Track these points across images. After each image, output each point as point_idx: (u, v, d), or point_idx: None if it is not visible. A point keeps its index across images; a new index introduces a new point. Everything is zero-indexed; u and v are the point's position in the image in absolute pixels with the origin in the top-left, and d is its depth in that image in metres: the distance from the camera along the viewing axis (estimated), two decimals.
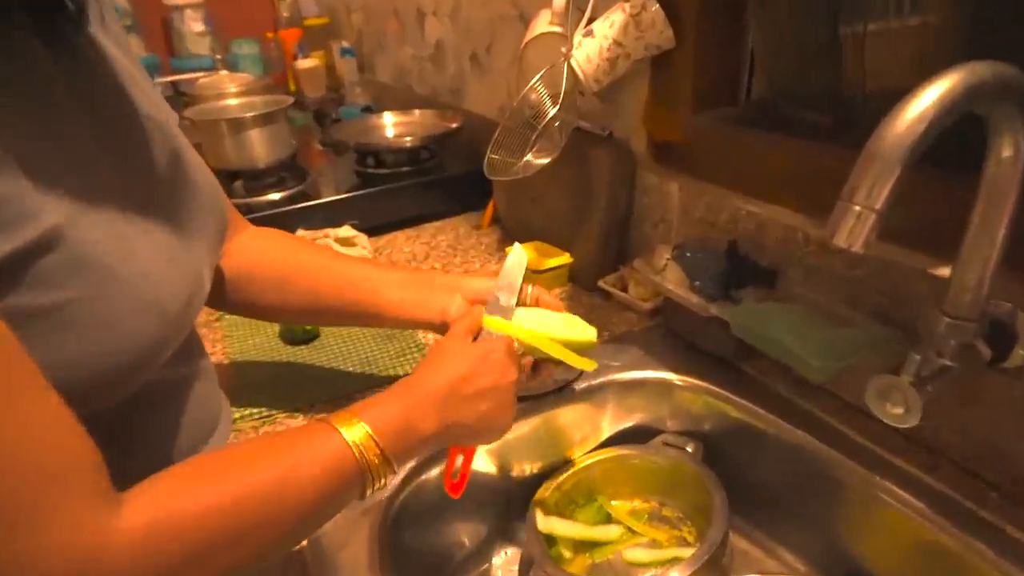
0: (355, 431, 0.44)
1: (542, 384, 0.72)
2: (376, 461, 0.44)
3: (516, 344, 0.56)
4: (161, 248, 0.44)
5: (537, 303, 0.62)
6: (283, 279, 0.65)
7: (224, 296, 0.64)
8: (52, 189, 0.36)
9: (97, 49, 0.45)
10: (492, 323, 0.57)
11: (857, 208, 0.37)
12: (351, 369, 0.78)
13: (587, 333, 0.59)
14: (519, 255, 0.61)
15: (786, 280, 0.70)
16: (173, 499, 0.37)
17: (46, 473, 0.32)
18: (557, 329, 0.58)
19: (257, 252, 0.65)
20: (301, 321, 0.78)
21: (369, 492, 0.45)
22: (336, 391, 0.74)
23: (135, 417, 0.48)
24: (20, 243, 0.34)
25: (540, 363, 0.61)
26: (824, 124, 0.67)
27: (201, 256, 0.50)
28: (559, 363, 0.59)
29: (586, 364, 0.58)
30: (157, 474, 0.39)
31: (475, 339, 0.56)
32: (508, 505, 0.72)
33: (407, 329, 0.79)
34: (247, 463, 0.41)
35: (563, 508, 0.70)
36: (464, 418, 0.50)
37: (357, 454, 0.43)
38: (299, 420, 0.70)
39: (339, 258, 0.69)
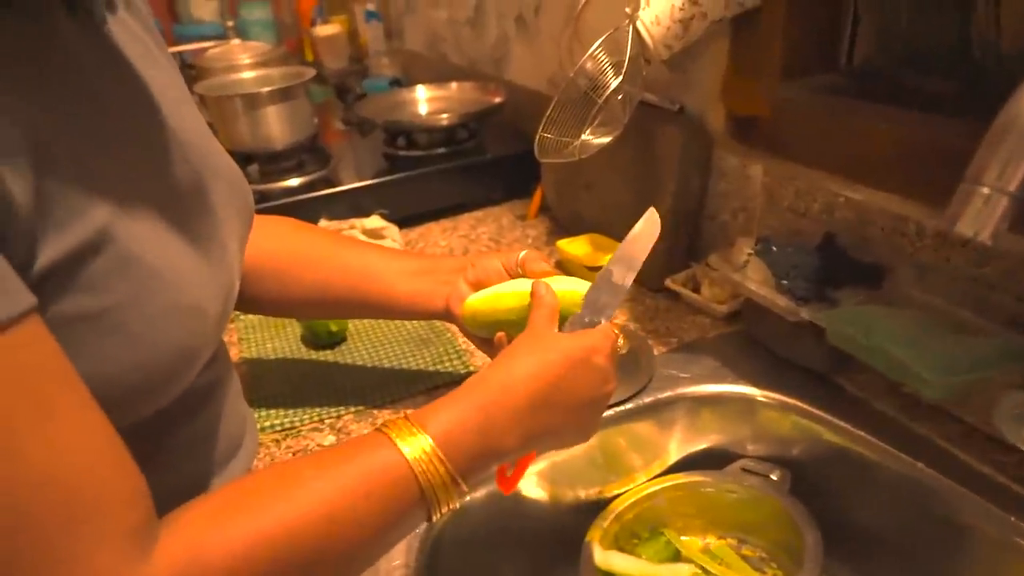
0: (416, 445, 0.43)
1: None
2: (441, 482, 0.43)
3: (622, 343, 0.54)
4: (198, 245, 0.46)
5: (524, 268, 0.63)
6: (282, 270, 0.68)
7: None
8: (97, 185, 0.38)
9: (128, 31, 0.48)
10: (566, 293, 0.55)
11: (985, 191, 0.37)
12: (382, 376, 0.80)
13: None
14: (652, 222, 0.57)
15: (894, 279, 0.69)
16: (209, 538, 0.37)
17: (74, 511, 0.33)
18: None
19: (259, 242, 0.67)
20: (305, 315, 0.81)
21: (435, 517, 0.44)
22: (366, 400, 0.76)
23: (161, 432, 0.50)
24: (72, 244, 0.36)
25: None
26: (946, 92, 0.66)
27: (234, 251, 0.52)
28: None
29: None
30: (190, 506, 0.40)
31: (563, 326, 0.53)
32: (560, 537, 0.72)
33: (418, 319, 0.80)
34: (291, 489, 0.40)
35: (624, 542, 0.71)
36: (549, 431, 0.48)
37: (420, 474, 0.42)
38: (325, 433, 0.72)
39: (343, 245, 0.71)
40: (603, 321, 0.54)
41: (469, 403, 0.46)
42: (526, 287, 0.59)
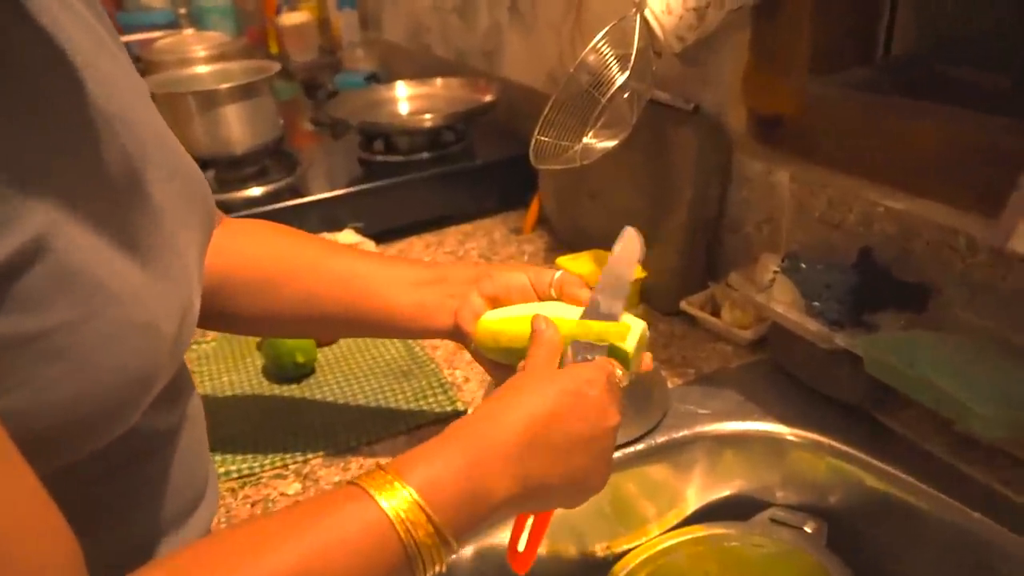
0: (398, 499, 0.42)
1: None
2: (428, 541, 0.42)
3: (621, 375, 0.54)
4: (150, 255, 0.45)
5: (560, 292, 0.62)
6: (265, 281, 0.67)
7: None
8: (31, 188, 0.37)
9: (77, 19, 0.48)
10: (568, 324, 0.56)
11: None
12: (356, 414, 0.80)
13: (628, 337, 0.57)
14: (633, 243, 0.59)
15: (941, 301, 0.69)
16: None
17: None
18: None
19: (232, 249, 0.66)
20: (289, 333, 0.80)
21: None
22: (337, 442, 0.76)
23: (108, 483, 0.49)
24: (3, 255, 0.35)
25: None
26: (998, 86, 0.67)
27: (192, 262, 0.52)
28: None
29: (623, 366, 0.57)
30: (142, 571, 0.38)
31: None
32: None
33: (423, 338, 0.79)
34: (256, 554, 0.40)
35: None
36: (549, 477, 0.48)
37: (402, 532, 0.42)
38: (289, 480, 0.72)
39: (334, 251, 0.70)
40: (596, 355, 0.55)
41: (453, 450, 0.46)
42: (562, 313, 0.59)
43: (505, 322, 0.61)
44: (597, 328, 0.57)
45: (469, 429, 0.48)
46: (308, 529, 0.42)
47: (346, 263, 0.68)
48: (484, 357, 0.65)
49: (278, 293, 0.67)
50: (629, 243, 0.59)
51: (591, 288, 0.61)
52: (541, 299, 0.64)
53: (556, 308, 0.61)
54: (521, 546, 0.54)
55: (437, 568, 0.44)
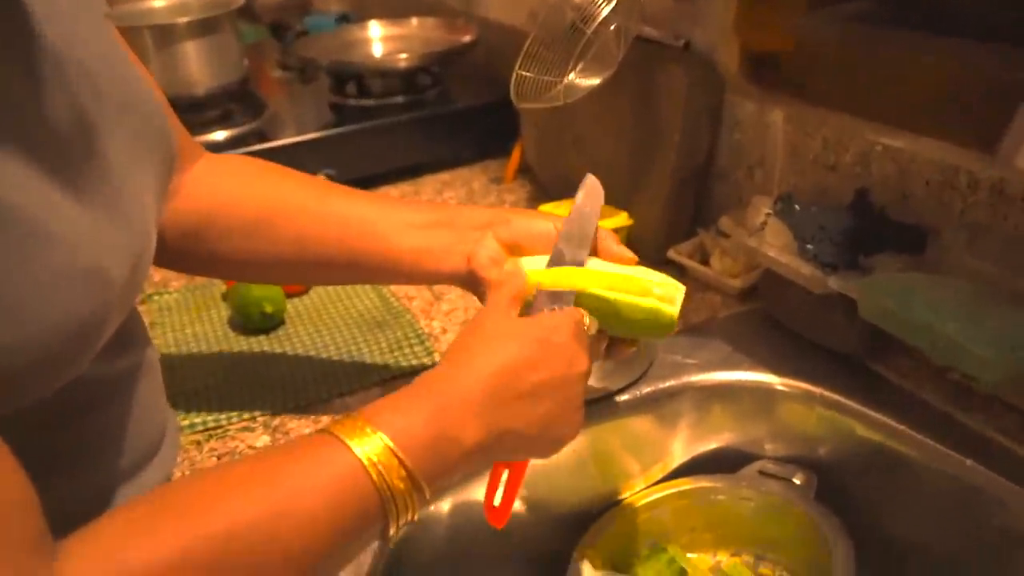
0: (370, 445, 0.43)
1: (590, 385, 0.71)
2: (402, 486, 0.44)
3: (588, 322, 0.55)
4: (96, 194, 0.44)
5: (597, 252, 0.61)
6: (257, 222, 0.65)
7: (171, 249, 0.64)
8: None
9: None
10: (544, 275, 0.56)
11: None
12: (327, 366, 0.79)
13: (671, 300, 0.57)
14: (593, 189, 0.60)
15: (941, 243, 0.69)
16: (131, 545, 0.37)
17: None
18: (625, 289, 0.57)
19: (219, 188, 0.65)
20: (281, 279, 0.79)
21: (393, 530, 0.45)
22: (308, 395, 0.75)
23: (60, 430, 0.49)
24: None
25: (615, 343, 0.61)
26: (1002, 18, 0.65)
27: (147, 202, 0.50)
28: (631, 343, 0.60)
29: (656, 336, 0.59)
30: (104, 517, 0.39)
31: (524, 312, 0.55)
32: (542, 557, 0.72)
33: (427, 283, 0.78)
34: (224, 495, 0.41)
35: (619, 561, 0.70)
36: (517, 423, 0.50)
37: (375, 476, 0.43)
38: (257, 433, 0.71)
39: (329, 191, 0.68)
40: (561, 305, 0.56)
41: (421, 397, 0.48)
42: (616, 271, 0.58)
43: (555, 275, 0.58)
44: (640, 286, 0.56)
45: (435, 377, 0.49)
46: (280, 475, 0.42)
47: (344, 203, 0.66)
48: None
49: (270, 235, 0.65)
50: (591, 190, 0.61)
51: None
52: None
53: (592, 263, 0.60)
54: (497, 500, 0.55)
55: (410, 515, 0.45)
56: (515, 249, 0.62)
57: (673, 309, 0.57)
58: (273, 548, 0.40)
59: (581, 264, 0.58)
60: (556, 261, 0.58)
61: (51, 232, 0.40)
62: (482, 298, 0.64)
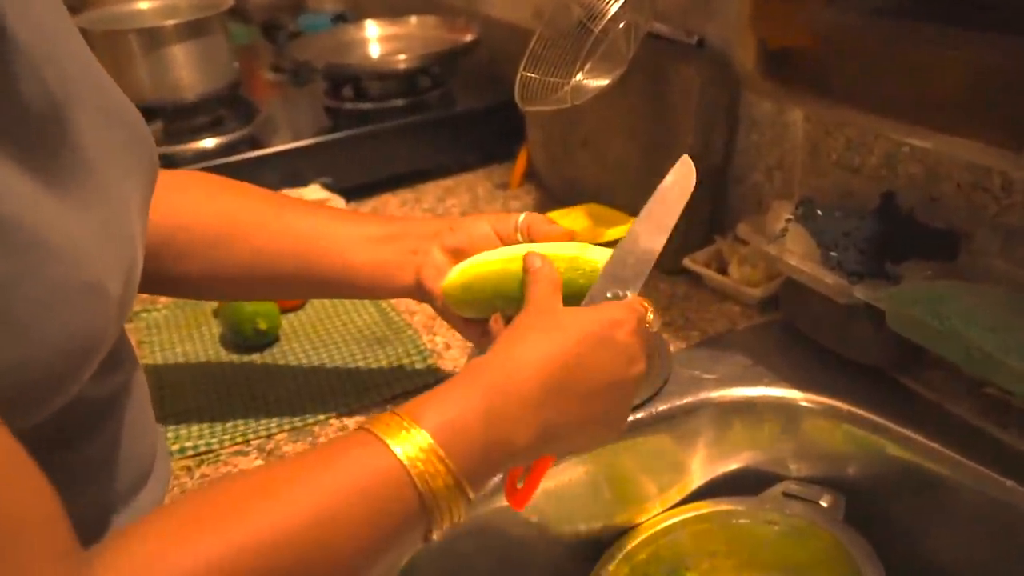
0: (411, 443, 0.43)
1: None
2: (445, 491, 0.43)
3: (652, 319, 0.55)
4: (90, 207, 0.45)
5: (529, 234, 0.63)
6: (213, 240, 0.67)
7: None
8: None
9: None
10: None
11: None
12: (325, 384, 0.79)
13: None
14: (687, 171, 0.59)
15: (973, 248, 0.69)
16: (172, 554, 0.37)
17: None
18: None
19: (177, 206, 0.66)
20: (240, 296, 0.80)
21: (437, 534, 0.45)
22: (303, 417, 0.75)
23: (49, 456, 0.48)
24: None
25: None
26: None
27: (134, 216, 0.51)
28: None
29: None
30: (140, 523, 0.39)
31: (575, 298, 0.55)
32: None
33: (385, 298, 0.81)
34: (267, 500, 0.41)
35: None
36: (567, 423, 0.50)
37: (418, 480, 0.43)
38: (251, 457, 0.71)
39: (286, 206, 0.70)
40: (629, 295, 0.55)
41: (470, 392, 0.47)
42: (520, 253, 0.60)
43: (469, 272, 0.62)
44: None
45: (487, 371, 0.48)
46: (319, 477, 0.42)
47: (299, 219, 0.69)
48: (453, 316, 0.66)
49: (227, 253, 0.67)
50: (683, 172, 0.58)
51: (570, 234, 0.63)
52: (506, 244, 0.65)
53: (526, 251, 0.61)
54: (521, 482, 0.55)
55: (454, 518, 0.45)
56: (460, 254, 0.65)
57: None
58: (322, 556, 0.40)
59: (654, 251, 0.57)
60: (628, 243, 0.57)
61: (51, 245, 0.40)
62: (435, 308, 0.67)
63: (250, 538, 0.39)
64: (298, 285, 0.70)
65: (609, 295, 0.55)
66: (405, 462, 0.42)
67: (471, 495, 0.45)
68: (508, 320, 0.57)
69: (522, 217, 0.65)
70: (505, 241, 0.65)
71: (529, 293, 0.55)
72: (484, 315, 0.62)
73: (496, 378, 0.48)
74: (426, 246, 0.66)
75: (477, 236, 0.65)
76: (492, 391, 0.47)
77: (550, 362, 0.49)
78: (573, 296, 0.57)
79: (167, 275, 0.67)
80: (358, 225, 0.69)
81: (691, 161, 0.58)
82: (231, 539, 0.39)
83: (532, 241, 0.64)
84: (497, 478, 0.57)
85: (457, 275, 0.63)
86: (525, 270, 0.57)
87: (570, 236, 0.62)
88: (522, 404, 0.47)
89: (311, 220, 0.69)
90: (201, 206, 0.68)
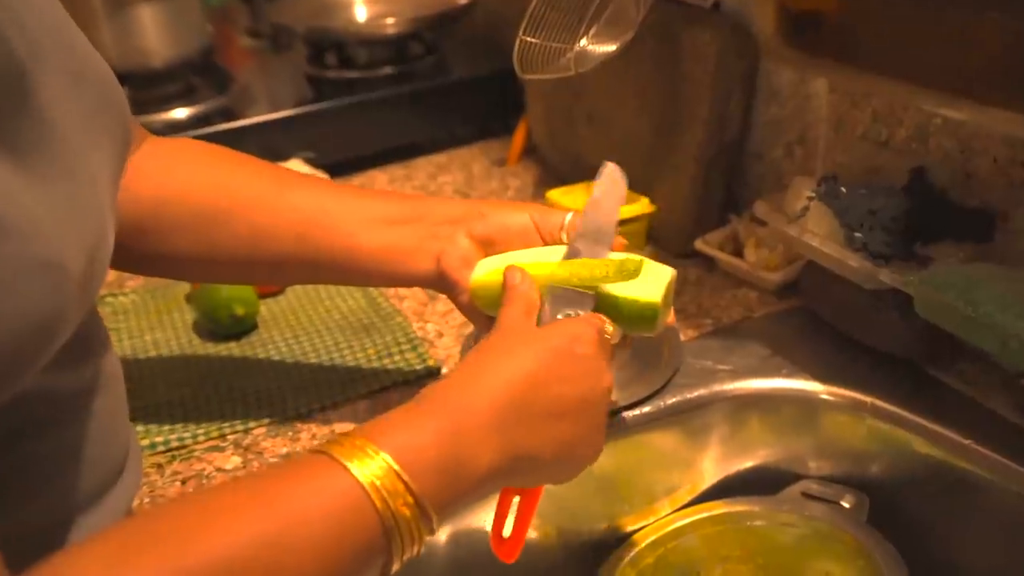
0: (372, 466, 0.43)
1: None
2: (407, 513, 0.43)
3: (612, 331, 0.56)
4: (49, 177, 0.44)
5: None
6: (208, 216, 0.65)
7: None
8: None
9: None
10: (533, 268, 0.58)
11: None
12: (307, 375, 0.79)
13: (651, 287, 0.58)
14: (613, 177, 0.61)
15: (1010, 228, 0.69)
16: None
17: None
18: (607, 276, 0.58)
19: (166, 178, 0.65)
20: (234, 278, 0.80)
21: (396, 564, 0.45)
22: (285, 409, 0.75)
23: (9, 453, 0.49)
24: None
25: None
26: None
27: (104, 185, 0.51)
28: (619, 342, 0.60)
29: (637, 328, 0.59)
30: (77, 547, 0.39)
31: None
32: None
33: (395, 285, 0.80)
34: (217, 523, 0.41)
35: None
36: (536, 444, 0.50)
37: (379, 503, 0.43)
38: (227, 453, 0.71)
39: (292, 182, 0.69)
40: (581, 313, 0.57)
41: (431, 414, 0.48)
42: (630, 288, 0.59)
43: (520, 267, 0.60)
44: (609, 270, 0.57)
45: (445, 394, 0.49)
46: (273, 498, 0.42)
47: (304, 194, 0.67)
48: (477, 312, 0.65)
49: (223, 230, 0.66)
50: (611, 180, 0.61)
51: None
52: (547, 244, 0.64)
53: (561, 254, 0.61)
54: (507, 531, 0.56)
55: (416, 548, 0.45)
56: (491, 245, 0.64)
57: (654, 297, 0.58)
58: (280, 561, 0.40)
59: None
60: (570, 260, 0.59)
61: (8, 225, 0.40)
62: (456, 302, 0.66)
63: (197, 561, 0.39)
64: (297, 268, 0.68)
65: (560, 317, 0.57)
66: (365, 484, 0.43)
67: (435, 521, 0.45)
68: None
69: (569, 216, 0.64)
70: (547, 240, 0.64)
71: (502, 311, 0.56)
72: None
73: (457, 399, 0.48)
74: (449, 231, 0.65)
75: (514, 228, 0.64)
76: (454, 412, 0.48)
77: (511, 381, 0.50)
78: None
79: (151, 252, 0.66)
80: (371, 203, 0.67)
81: (616, 166, 0.61)
82: (176, 563, 0.38)
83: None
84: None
85: (487, 275, 0.61)
86: (505, 284, 0.57)
87: (623, 244, 0.62)
88: (484, 425, 0.48)
89: (316, 196, 0.67)
90: (194, 177, 0.67)
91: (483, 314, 0.65)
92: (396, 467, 0.44)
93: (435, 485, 0.45)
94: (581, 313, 0.57)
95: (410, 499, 0.44)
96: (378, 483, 0.43)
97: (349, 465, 0.43)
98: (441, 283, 0.65)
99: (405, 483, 0.44)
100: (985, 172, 0.71)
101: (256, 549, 0.40)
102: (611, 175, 0.62)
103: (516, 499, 0.56)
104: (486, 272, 0.62)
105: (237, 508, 0.42)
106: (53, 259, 0.43)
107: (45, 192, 0.44)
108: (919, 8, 0.72)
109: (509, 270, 0.58)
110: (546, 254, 0.62)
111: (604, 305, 0.58)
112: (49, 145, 0.46)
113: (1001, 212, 0.69)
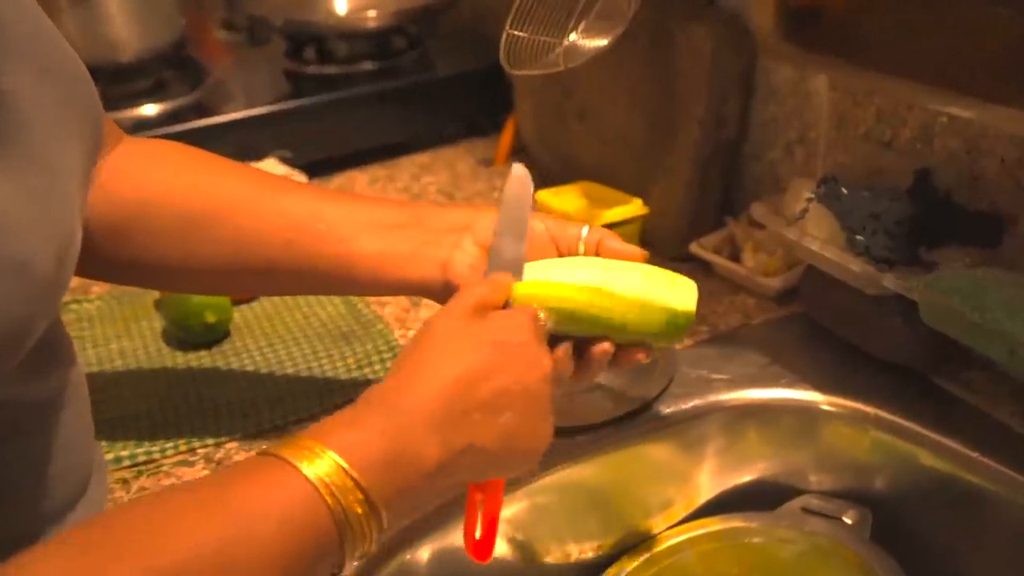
0: (321, 465, 0.45)
1: (598, 406, 0.72)
2: (359, 509, 0.46)
3: (544, 317, 0.58)
4: (22, 177, 0.44)
5: (598, 251, 0.63)
6: (191, 221, 0.65)
7: (81, 254, 0.64)
8: None
9: None
10: (533, 286, 0.59)
11: None
12: (282, 386, 0.79)
13: (683, 296, 0.60)
14: (521, 179, 0.63)
15: (1019, 233, 0.69)
16: None
17: None
18: (633, 288, 0.59)
19: (145, 180, 0.65)
20: (218, 288, 0.79)
21: (348, 562, 0.46)
22: (258, 422, 0.75)
23: None
24: None
25: (622, 351, 0.61)
26: None
27: (72, 183, 0.50)
28: (641, 350, 0.61)
29: (668, 338, 0.61)
30: (28, 553, 0.39)
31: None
32: None
33: (389, 295, 0.80)
34: (168, 525, 0.42)
35: None
36: (478, 436, 0.52)
37: (330, 499, 0.45)
38: (198, 468, 0.70)
39: (279, 186, 0.69)
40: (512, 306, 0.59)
41: (373, 413, 0.50)
42: (613, 278, 0.60)
43: (548, 286, 0.60)
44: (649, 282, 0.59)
45: (386, 391, 0.51)
46: (225, 499, 0.44)
47: (295, 199, 0.67)
48: None
49: (206, 237, 0.65)
50: (517, 180, 0.63)
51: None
52: (563, 255, 0.64)
53: (601, 266, 0.61)
54: (478, 532, 0.57)
55: (368, 545, 0.47)
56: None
57: (688, 305, 0.60)
58: (229, 568, 0.42)
59: (522, 260, 0.61)
60: (496, 257, 0.61)
61: None
62: None
63: (151, 563, 0.40)
64: (284, 277, 0.67)
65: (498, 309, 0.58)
66: (316, 483, 0.45)
67: (385, 517, 0.47)
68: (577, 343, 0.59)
69: (587, 230, 0.64)
70: (562, 251, 0.65)
71: (451, 301, 0.57)
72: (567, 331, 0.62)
73: (396, 396, 0.51)
74: (455, 238, 0.65)
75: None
76: (394, 409, 0.50)
77: (447, 374, 0.51)
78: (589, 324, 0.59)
79: (130, 257, 0.65)
80: (364, 208, 0.67)
81: (521, 166, 0.63)
82: (130, 567, 0.39)
83: (600, 254, 0.63)
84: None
85: (528, 287, 0.60)
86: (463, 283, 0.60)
87: (643, 255, 0.63)
88: (425, 423, 0.50)
89: (306, 201, 0.67)
90: (174, 180, 0.66)
91: None
92: (344, 464, 0.46)
93: (383, 481, 0.47)
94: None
95: (360, 495, 0.46)
96: (328, 480, 0.45)
97: (299, 465, 0.45)
98: (445, 292, 0.64)
99: (354, 479, 0.45)
100: (992, 174, 0.71)
101: (212, 553, 0.41)
102: (517, 174, 0.63)
103: (480, 498, 0.58)
104: (532, 280, 0.61)
105: (189, 511, 0.43)
106: (20, 258, 0.43)
107: (12, 186, 0.44)
108: (923, 2, 0.72)
109: (500, 278, 0.58)
110: (577, 268, 0.61)
111: (634, 313, 0.59)
112: (17, 137, 0.46)
113: (1009, 215, 0.70)
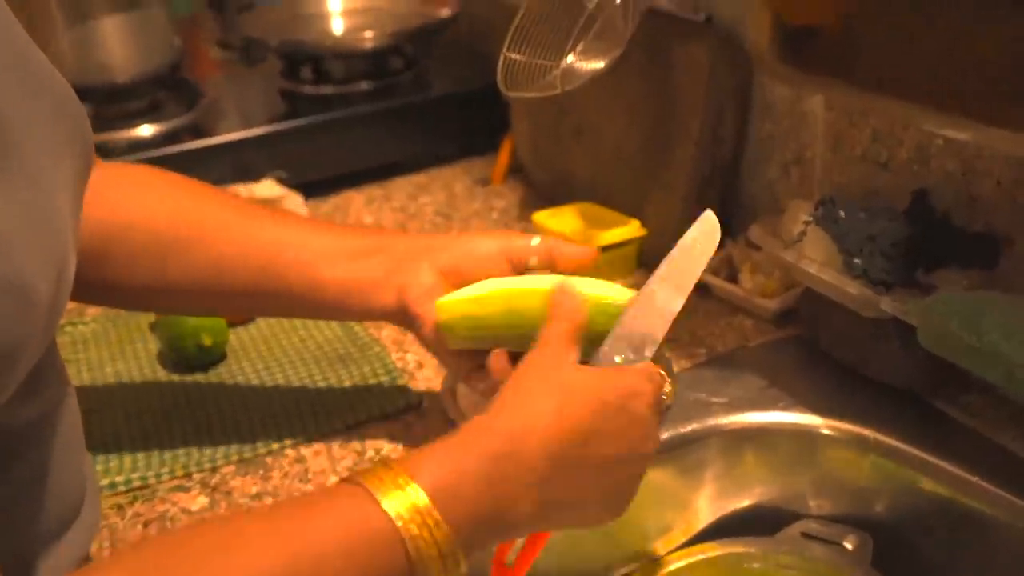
0: (403, 500, 0.44)
1: None
2: (435, 553, 0.44)
3: (667, 385, 0.57)
4: (15, 193, 0.44)
5: (552, 259, 0.65)
6: (164, 245, 0.67)
7: None
8: None
9: None
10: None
11: None
12: (280, 409, 0.79)
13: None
14: (710, 228, 0.60)
15: (1016, 255, 0.69)
16: None
17: None
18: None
19: (123, 203, 0.66)
20: (190, 309, 0.80)
21: None
22: (254, 446, 0.74)
23: None
24: None
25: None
26: None
27: (66, 207, 0.51)
28: None
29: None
30: (91, 568, 0.40)
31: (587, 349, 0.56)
32: None
33: (354, 320, 0.82)
34: (233, 550, 0.42)
35: None
36: (574, 497, 0.51)
37: (408, 540, 0.43)
38: (194, 493, 0.70)
39: (249, 212, 0.71)
40: (642, 359, 0.57)
41: (472, 454, 0.48)
42: (546, 286, 0.60)
43: (472, 302, 0.62)
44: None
45: (490, 435, 0.49)
46: (298, 529, 0.43)
47: (264, 226, 0.69)
48: (441, 347, 0.66)
49: (183, 260, 0.67)
50: (706, 227, 0.60)
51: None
52: (515, 271, 0.65)
53: (540, 281, 0.61)
54: (510, 560, 0.56)
55: None
56: (457, 275, 0.65)
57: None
58: None
59: (672, 311, 0.58)
60: (643, 301, 0.58)
61: None
62: (420, 337, 0.68)
63: None
64: (257, 301, 0.70)
65: (619, 359, 0.56)
66: (397, 522, 0.44)
67: (463, 567, 0.45)
68: (512, 358, 0.58)
69: (535, 241, 0.65)
70: (516, 267, 0.65)
71: (545, 331, 0.55)
72: (481, 348, 0.63)
73: (501, 445, 0.49)
74: (412, 264, 0.66)
75: (480, 256, 0.66)
76: (496, 458, 0.48)
77: (560, 431, 0.50)
78: (591, 341, 0.57)
79: (109, 280, 0.67)
80: (333, 236, 0.69)
81: (714, 216, 0.60)
82: None
83: (552, 268, 0.64)
84: None
85: (458, 302, 0.63)
86: (551, 301, 0.57)
87: (596, 255, 0.64)
88: (527, 475, 0.48)
89: (278, 228, 0.69)
90: (152, 205, 0.68)
91: (447, 349, 0.66)
92: (432, 508, 0.45)
93: (469, 532, 0.46)
94: (641, 358, 0.56)
95: (444, 544, 0.44)
96: (412, 524, 0.44)
97: (382, 500, 0.44)
98: (403, 317, 0.67)
99: (439, 526, 0.44)
100: (989, 195, 0.71)
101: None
102: (707, 221, 0.60)
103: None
104: (451, 302, 0.63)
105: (260, 538, 0.43)
106: (19, 279, 0.43)
107: (6, 204, 0.44)
108: (920, 23, 0.73)
109: (564, 286, 0.58)
110: (519, 281, 0.62)
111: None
112: (8, 154, 0.46)
113: (1006, 237, 0.70)
